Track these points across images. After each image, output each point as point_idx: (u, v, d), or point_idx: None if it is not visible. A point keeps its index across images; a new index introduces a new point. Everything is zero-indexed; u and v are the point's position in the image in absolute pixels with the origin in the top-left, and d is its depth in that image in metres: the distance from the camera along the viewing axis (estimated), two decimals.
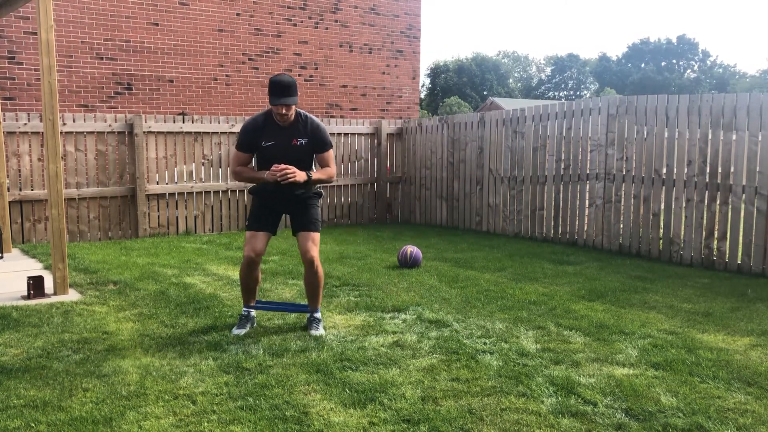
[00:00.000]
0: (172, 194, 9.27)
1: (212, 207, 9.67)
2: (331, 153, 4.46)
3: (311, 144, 4.36)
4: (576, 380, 3.51)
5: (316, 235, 4.44)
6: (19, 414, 3.10)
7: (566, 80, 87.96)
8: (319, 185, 4.52)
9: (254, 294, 4.54)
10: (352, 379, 3.53)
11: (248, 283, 4.47)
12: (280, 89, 4.12)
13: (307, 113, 4.43)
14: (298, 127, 4.33)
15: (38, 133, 8.34)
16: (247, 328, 4.43)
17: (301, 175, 4.20)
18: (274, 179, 4.17)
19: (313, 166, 4.46)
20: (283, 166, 4.15)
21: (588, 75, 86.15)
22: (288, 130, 4.32)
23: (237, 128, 9.73)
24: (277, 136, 4.31)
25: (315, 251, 4.39)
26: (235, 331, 4.37)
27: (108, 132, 8.80)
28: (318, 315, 4.54)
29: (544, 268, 6.75)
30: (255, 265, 4.38)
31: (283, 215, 4.60)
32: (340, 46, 13.49)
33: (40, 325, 4.58)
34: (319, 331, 4.42)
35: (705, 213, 6.97)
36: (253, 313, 4.56)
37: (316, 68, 13.22)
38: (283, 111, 4.19)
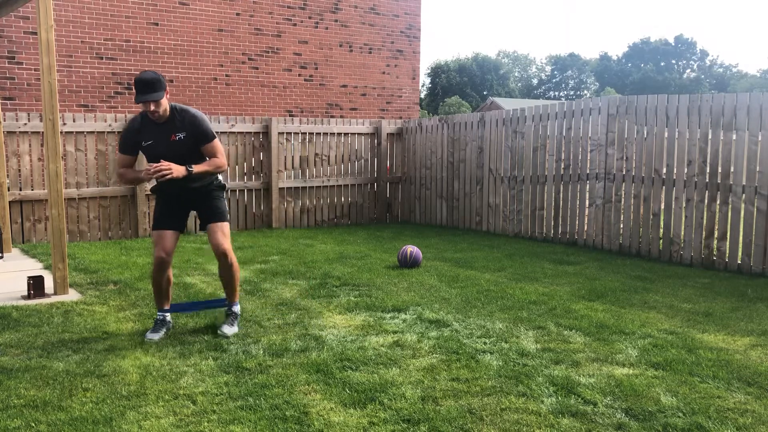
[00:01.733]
0: None
1: None
2: (216, 143, 4.29)
3: (191, 137, 4.24)
4: (576, 380, 3.51)
5: (225, 225, 4.37)
6: (19, 414, 3.10)
7: (567, 80, 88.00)
8: (215, 177, 4.41)
9: (168, 297, 4.44)
10: (352, 379, 3.53)
11: (160, 285, 4.36)
12: (143, 86, 4.03)
13: (184, 106, 4.30)
14: (174, 122, 4.22)
15: (38, 133, 8.34)
16: (162, 333, 4.30)
17: (178, 170, 4.07)
18: (149, 178, 4.11)
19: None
20: (156, 164, 4.04)
21: (589, 75, 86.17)
22: (165, 126, 4.22)
23: (237, 128, 9.74)
24: (155, 134, 4.22)
25: (226, 243, 4.33)
26: (149, 336, 4.25)
27: (108, 132, 8.80)
28: (236, 309, 4.51)
29: (544, 268, 6.75)
30: (166, 266, 4.30)
31: (191, 212, 4.51)
32: (340, 45, 13.49)
33: (40, 325, 4.58)
34: (232, 329, 4.36)
35: (705, 213, 6.97)
36: (169, 317, 4.45)
37: (316, 68, 13.22)
38: (152, 108, 4.09)
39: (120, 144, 4.33)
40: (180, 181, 4.19)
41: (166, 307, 4.44)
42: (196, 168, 4.18)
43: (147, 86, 4.04)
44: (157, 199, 4.44)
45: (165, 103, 4.16)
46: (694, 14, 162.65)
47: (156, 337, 4.26)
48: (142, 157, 4.75)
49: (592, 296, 5.51)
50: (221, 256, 4.34)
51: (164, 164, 4.04)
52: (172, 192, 4.34)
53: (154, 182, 4.41)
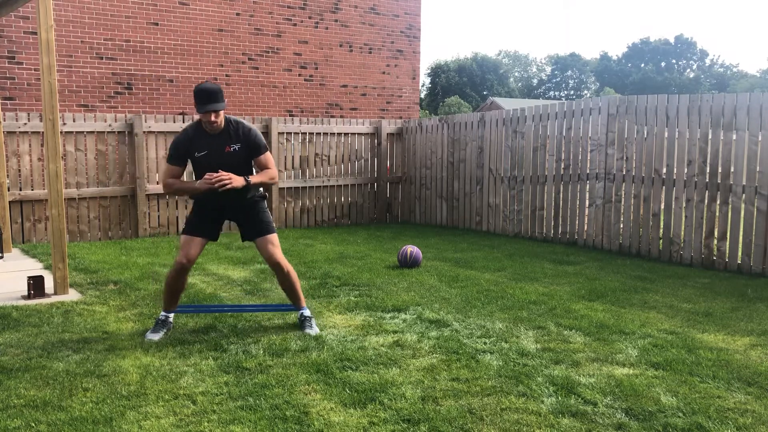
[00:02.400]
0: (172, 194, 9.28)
1: None
2: (269, 155, 4.35)
3: (245, 149, 4.27)
4: (576, 380, 3.51)
5: (274, 237, 4.38)
6: (19, 414, 3.10)
7: (567, 80, 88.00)
8: (261, 188, 4.42)
9: (177, 300, 4.44)
10: (352, 378, 3.53)
11: (174, 289, 4.35)
12: (206, 96, 4.05)
13: (238, 118, 4.35)
14: (229, 134, 4.25)
15: (38, 132, 8.34)
16: (162, 334, 4.30)
17: (238, 181, 4.10)
18: (208, 188, 4.10)
19: (254, 171, 4.39)
20: (217, 174, 4.06)
21: (589, 75, 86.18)
22: (219, 138, 4.24)
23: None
24: (209, 145, 4.23)
25: (279, 253, 4.35)
26: (150, 336, 4.26)
27: (108, 132, 8.80)
28: (306, 313, 4.51)
29: (544, 268, 6.75)
30: (185, 272, 4.29)
31: (226, 222, 4.50)
32: (340, 45, 13.49)
33: (40, 324, 4.58)
34: (314, 330, 4.40)
35: (705, 213, 6.97)
36: (171, 318, 4.45)
37: (316, 68, 13.22)
38: (212, 118, 4.11)
39: (170, 154, 4.31)
40: (231, 193, 4.19)
41: (172, 309, 4.44)
42: (254, 179, 4.21)
43: (209, 97, 4.06)
44: (194, 206, 4.43)
45: (222, 115, 4.20)
46: (694, 14, 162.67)
47: (156, 337, 4.26)
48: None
49: (592, 296, 5.51)
50: (276, 267, 4.35)
51: (224, 174, 4.06)
52: (214, 203, 4.33)
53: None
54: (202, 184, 4.11)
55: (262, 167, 4.33)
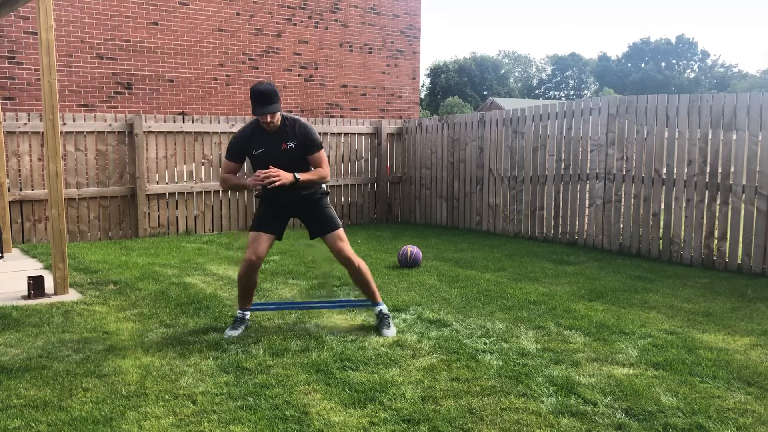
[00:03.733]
0: (172, 194, 9.28)
1: (212, 207, 9.67)
2: (322, 154, 4.41)
3: (301, 146, 4.33)
4: (576, 380, 3.51)
5: (342, 232, 4.43)
6: (19, 414, 3.10)
7: (567, 80, 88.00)
8: (320, 186, 4.48)
9: (251, 298, 4.50)
10: (352, 378, 3.53)
11: (247, 287, 4.42)
12: (262, 98, 4.11)
13: (294, 116, 4.41)
14: (286, 131, 4.31)
15: (38, 132, 8.34)
16: (240, 330, 4.38)
17: (287, 177, 4.15)
18: (256, 185, 4.16)
19: (309, 170, 4.43)
20: (266, 171, 4.12)
21: (589, 75, 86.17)
22: (276, 136, 4.30)
23: (237, 128, 9.73)
24: (267, 143, 4.30)
25: (347, 248, 4.38)
26: (229, 333, 4.33)
27: (108, 132, 8.80)
28: (383, 309, 4.50)
29: (544, 268, 6.75)
30: (255, 269, 4.34)
31: (291, 219, 4.56)
32: (340, 45, 13.49)
33: (40, 324, 4.58)
34: (392, 330, 4.37)
35: (705, 213, 6.97)
36: (248, 315, 4.52)
37: (316, 68, 13.21)
38: (268, 119, 4.18)
39: (228, 150, 4.39)
40: (287, 189, 4.25)
41: (248, 307, 4.49)
42: (302, 176, 4.24)
43: (265, 98, 4.12)
44: (260, 203, 4.50)
45: (278, 114, 4.25)
46: (695, 14, 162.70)
47: (235, 333, 4.32)
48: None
49: (592, 296, 5.51)
50: (346, 262, 4.38)
51: (273, 171, 4.12)
52: (279, 200, 4.38)
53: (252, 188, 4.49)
54: (252, 181, 4.18)
55: (315, 165, 4.38)
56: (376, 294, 4.52)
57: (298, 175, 4.22)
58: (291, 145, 4.31)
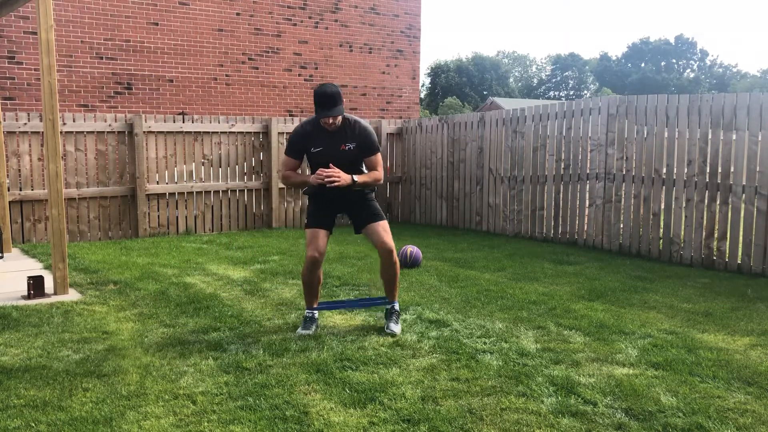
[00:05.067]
0: (172, 194, 9.28)
1: (212, 207, 9.67)
2: (379, 157, 4.45)
3: (359, 148, 4.37)
4: (576, 380, 3.51)
5: (386, 223, 4.44)
6: (19, 414, 3.10)
7: (567, 80, 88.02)
8: (372, 187, 4.49)
9: (317, 295, 4.52)
10: (352, 378, 3.53)
11: (312, 284, 4.43)
12: (327, 100, 4.14)
13: (356, 117, 4.45)
14: (346, 132, 4.35)
15: (38, 132, 8.34)
16: (313, 330, 4.38)
17: (345, 179, 4.20)
18: (318, 182, 4.20)
19: (362, 170, 4.47)
20: (328, 170, 4.17)
21: (588, 75, 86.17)
22: (336, 136, 4.34)
23: (237, 128, 9.75)
24: (326, 142, 4.33)
25: (390, 240, 4.38)
26: (302, 331, 4.35)
27: (108, 132, 8.80)
28: (396, 307, 4.53)
29: (544, 268, 6.75)
30: (318, 265, 4.37)
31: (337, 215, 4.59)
32: (340, 45, 13.49)
33: (40, 324, 4.58)
34: (398, 327, 4.40)
35: (705, 213, 6.97)
36: (317, 314, 4.53)
37: (316, 68, 13.21)
38: (331, 121, 4.23)
39: (288, 147, 4.43)
40: (340, 189, 4.28)
41: (315, 306, 4.51)
42: (360, 179, 4.29)
43: (330, 100, 4.15)
44: (310, 200, 4.53)
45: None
46: (695, 14, 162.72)
47: (308, 332, 4.34)
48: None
49: (592, 296, 5.51)
50: (387, 253, 4.37)
51: (335, 171, 4.17)
52: (329, 196, 4.41)
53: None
54: (314, 179, 4.22)
55: (371, 168, 4.43)
56: (395, 294, 4.55)
57: (356, 178, 4.26)
58: (350, 146, 4.35)
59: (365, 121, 4.48)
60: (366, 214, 4.44)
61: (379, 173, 4.42)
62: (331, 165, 4.22)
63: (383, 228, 4.40)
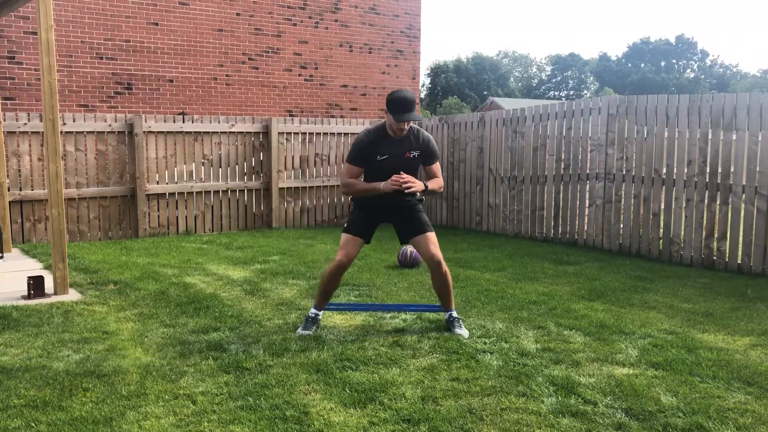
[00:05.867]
0: (172, 194, 9.28)
1: (212, 207, 9.67)
2: (439, 164, 4.52)
3: (422, 156, 4.42)
4: (576, 380, 3.51)
5: (434, 236, 4.45)
6: (19, 414, 3.10)
7: (567, 80, 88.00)
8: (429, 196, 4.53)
9: (329, 299, 4.53)
10: (352, 378, 3.53)
11: (329, 287, 4.45)
12: (405, 105, 4.17)
13: (418, 126, 4.50)
14: (410, 140, 4.39)
15: (38, 132, 8.34)
16: (314, 330, 4.39)
17: (419, 185, 4.22)
18: (394, 189, 4.19)
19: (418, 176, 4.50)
20: (405, 176, 4.17)
21: (588, 75, 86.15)
22: (402, 143, 4.36)
23: (237, 128, 9.75)
24: (392, 150, 4.34)
25: (438, 252, 4.39)
26: (302, 332, 4.35)
27: (108, 132, 8.80)
28: (454, 313, 4.52)
29: (544, 268, 6.75)
30: (343, 271, 4.39)
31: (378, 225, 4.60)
32: (340, 45, 13.49)
33: (40, 324, 4.58)
34: (464, 331, 4.39)
35: (705, 213, 6.97)
36: (320, 315, 4.53)
37: (316, 68, 13.21)
38: (404, 127, 4.26)
39: (352, 155, 4.39)
40: (396, 196, 4.29)
41: (323, 307, 4.51)
42: (430, 185, 4.34)
43: (408, 106, 4.19)
44: (355, 207, 4.53)
45: None
46: (695, 14, 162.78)
47: (308, 332, 4.34)
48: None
49: (592, 296, 5.51)
50: (437, 265, 4.37)
51: (410, 177, 4.19)
52: (380, 205, 4.41)
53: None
54: (388, 186, 4.21)
55: (433, 175, 4.48)
56: (452, 302, 4.53)
57: (428, 184, 4.30)
58: (414, 154, 4.38)
59: (426, 130, 4.53)
60: (415, 225, 4.45)
61: (441, 180, 4.49)
62: (401, 172, 4.22)
63: (431, 240, 4.41)
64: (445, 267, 4.40)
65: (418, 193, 4.37)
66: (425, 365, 3.76)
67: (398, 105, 4.17)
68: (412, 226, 4.45)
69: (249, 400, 3.24)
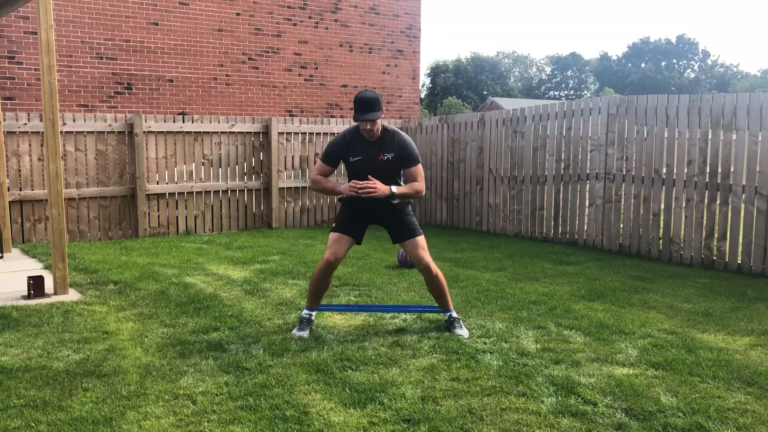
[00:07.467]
0: (172, 194, 9.28)
1: (212, 207, 9.67)
2: (420, 168, 4.40)
3: (398, 159, 4.35)
4: (576, 380, 3.51)
5: (422, 240, 4.42)
6: (19, 414, 3.10)
7: (567, 80, 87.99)
8: (405, 199, 4.45)
9: (321, 298, 4.51)
10: (352, 378, 3.53)
11: (320, 287, 4.42)
12: (365, 105, 4.15)
13: (395, 128, 4.44)
14: (385, 142, 4.35)
15: (38, 132, 8.34)
16: (308, 331, 4.37)
17: (383, 189, 4.17)
18: (352, 194, 4.18)
19: (400, 181, 4.45)
20: (363, 182, 4.15)
21: (588, 75, 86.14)
22: (375, 145, 4.33)
23: (237, 128, 9.75)
24: (365, 152, 4.33)
25: (427, 256, 4.37)
26: (297, 333, 4.33)
27: (108, 132, 8.80)
28: (453, 314, 4.51)
29: (544, 268, 6.75)
30: (331, 270, 4.36)
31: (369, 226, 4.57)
32: (340, 45, 13.49)
33: (40, 324, 4.58)
34: (464, 330, 4.39)
35: (705, 213, 6.97)
36: (314, 315, 4.51)
37: (316, 68, 13.21)
38: (368, 126, 4.22)
39: (325, 154, 4.41)
40: (378, 200, 4.26)
41: (315, 307, 4.49)
42: (398, 191, 4.26)
43: (368, 106, 4.16)
44: (343, 206, 4.51)
45: (380, 123, 4.28)
46: (695, 14, 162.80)
47: (304, 334, 4.31)
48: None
49: (592, 296, 5.51)
50: (425, 270, 4.36)
51: (371, 182, 4.15)
52: (363, 206, 4.39)
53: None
54: (347, 190, 4.20)
55: (411, 179, 4.39)
56: (449, 303, 4.52)
57: (394, 189, 4.23)
58: (389, 156, 4.34)
59: (404, 133, 4.48)
60: (403, 230, 4.42)
61: (420, 185, 4.37)
62: (369, 176, 4.21)
63: (420, 244, 4.38)
64: (435, 270, 4.38)
65: (396, 198, 4.32)
66: (425, 365, 3.76)
67: (358, 104, 4.16)
68: (400, 231, 4.43)
69: (249, 400, 3.24)
